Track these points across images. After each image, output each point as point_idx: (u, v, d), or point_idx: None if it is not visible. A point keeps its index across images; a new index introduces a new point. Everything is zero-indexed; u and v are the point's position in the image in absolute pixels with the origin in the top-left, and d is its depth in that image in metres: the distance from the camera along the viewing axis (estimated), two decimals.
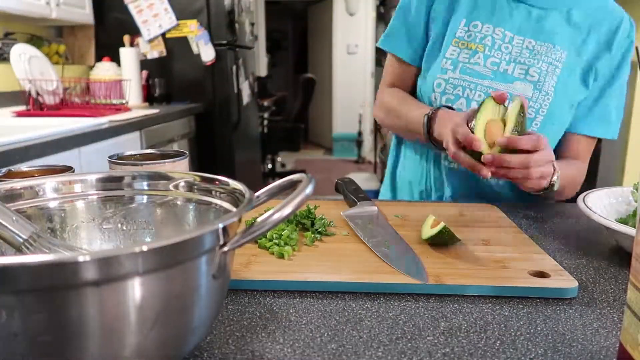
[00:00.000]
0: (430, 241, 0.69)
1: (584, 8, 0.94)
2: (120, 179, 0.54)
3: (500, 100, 0.77)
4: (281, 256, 0.65)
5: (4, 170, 0.63)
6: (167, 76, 2.90)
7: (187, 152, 0.71)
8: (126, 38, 2.82)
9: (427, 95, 0.97)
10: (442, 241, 0.68)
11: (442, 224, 0.67)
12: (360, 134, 6.38)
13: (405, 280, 0.58)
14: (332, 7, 6.35)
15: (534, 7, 0.94)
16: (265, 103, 4.78)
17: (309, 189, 0.41)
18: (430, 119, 0.90)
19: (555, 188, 0.83)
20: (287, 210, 0.39)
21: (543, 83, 0.91)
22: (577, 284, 0.57)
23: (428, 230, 0.69)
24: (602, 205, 0.76)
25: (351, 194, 0.85)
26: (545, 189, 0.83)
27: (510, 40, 0.93)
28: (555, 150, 0.97)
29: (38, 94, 2.18)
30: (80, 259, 0.30)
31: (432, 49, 0.98)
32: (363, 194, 0.85)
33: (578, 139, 0.97)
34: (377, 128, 5.23)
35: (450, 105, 0.94)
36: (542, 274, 0.59)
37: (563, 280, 0.58)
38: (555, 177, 0.81)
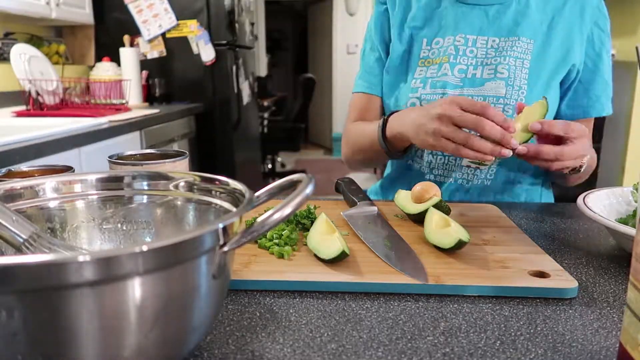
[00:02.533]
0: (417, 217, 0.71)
1: None
2: (120, 179, 0.54)
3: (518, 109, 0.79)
4: (281, 256, 0.65)
5: (4, 170, 0.63)
6: (167, 76, 2.90)
7: (187, 152, 0.71)
8: (126, 38, 2.82)
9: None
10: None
11: (435, 198, 0.69)
12: None
13: (405, 280, 0.58)
14: (332, 7, 6.35)
15: (490, 6, 0.94)
16: (265, 103, 4.78)
17: (309, 189, 0.41)
18: (385, 122, 0.91)
19: (583, 170, 0.84)
20: (287, 210, 0.39)
21: (514, 78, 0.90)
22: (577, 284, 0.57)
23: (415, 206, 0.71)
24: (602, 205, 0.76)
25: (351, 194, 0.85)
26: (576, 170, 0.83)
27: (474, 43, 0.93)
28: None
29: (38, 94, 2.18)
30: (80, 259, 0.30)
31: (398, 71, 0.98)
32: (363, 193, 0.85)
33: (586, 123, 0.96)
34: None
35: None
36: (542, 274, 0.59)
37: (563, 281, 0.58)
38: (584, 160, 0.81)
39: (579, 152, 0.77)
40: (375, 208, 0.80)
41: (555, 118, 0.97)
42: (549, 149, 0.75)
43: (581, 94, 0.95)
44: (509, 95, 0.90)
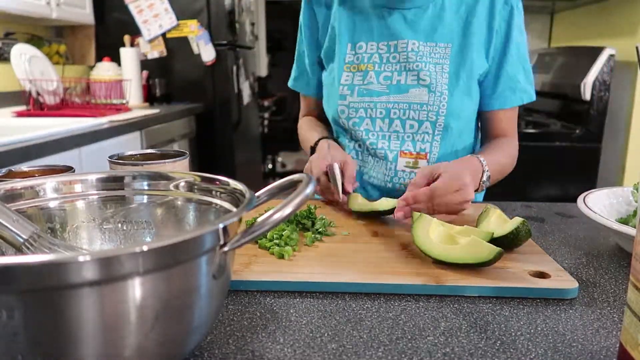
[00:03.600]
0: (500, 240, 0.64)
1: None
2: (120, 179, 0.54)
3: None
4: (281, 256, 0.65)
5: (4, 170, 0.63)
6: (167, 76, 2.90)
7: (188, 152, 0.71)
8: (126, 38, 2.82)
9: (335, 121, 1.01)
10: (514, 242, 0.65)
11: (517, 219, 0.65)
12: None
13: (405, 280, 0.58)
14: None
15: (407, 10, 0.94)
16: (266, 103, 4.78)
17: (309, 189, 0.41)
18: (313, 149, 0.98)
19: (484, 187, 0.87)
20: (288, 210, 0.39)
21: (435, 84, 0.92)
22: (577, 284, 0.57)
23: (494, 228, 0.67)
24: (602, 206, 0.76)
25: None
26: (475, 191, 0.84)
27: (395, 49, 0.93)
28: (482, 132, 1.02)
29: (38, 94, 2.18)
30: (81, 259, 0.30)
31: (328, 76, 1.01)
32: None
33: (496, 116, 0.98)
34: None
35: (332, 137, 1.01)
36: (542, 275, 0.59)
37: (563, 281, 0.58)
38: (484, 178, 0.84)
39: (453, 183, 0.76)
40: None
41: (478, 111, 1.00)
42: (422, 191, 0.76)
43: (487, 87, 0.96)
44: (431, 102, 0.92)
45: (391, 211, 0.77)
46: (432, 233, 0.66)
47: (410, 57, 0.92)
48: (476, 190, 0.84)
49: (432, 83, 0.91)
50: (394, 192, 0.98)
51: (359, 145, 0.99)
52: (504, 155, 0.94)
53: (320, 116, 1.10)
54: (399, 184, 0.98)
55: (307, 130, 1.08)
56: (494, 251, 0.58)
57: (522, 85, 0.95)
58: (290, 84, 1.13)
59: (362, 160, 1.01)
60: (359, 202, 0.83)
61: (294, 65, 1.11)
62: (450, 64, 0.92)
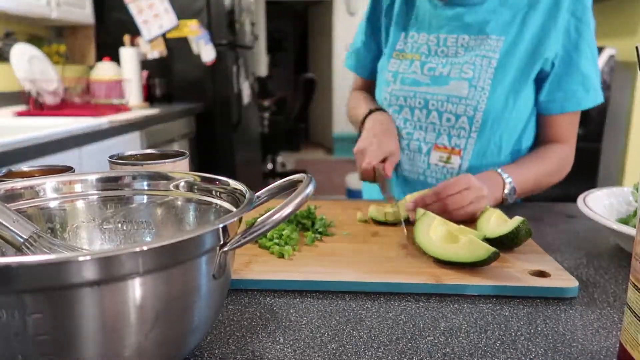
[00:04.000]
0: (497, 239, 0.65)
1: None
2: (120, 179, 0.54)
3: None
4: (281, 256, 0.65)
5: (4, 170, 0.63)
6: (167, 76, 2.90)
7: (188, 152, 0.71)
8: (126, 38, 2.82)
9: (386, 106, 1.02)
10: (514, 241, 0.66)
11: (517, 219, 0.65)
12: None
13: (405, 279, 0.58)
14: (333, 7, 6.35)
15: (464, 6, 0.92)
16: (266, 103, 4.77)
17: (309, 189, 0.41)
18: (364, 121, 0.99)
19: (510, 201, 0.88)
20: (288, 210, 0.39)
21: (478, 79, 0.89)
22: (577, 283, 0.57)
23: (494, 228, 0.67)
24: (602, 206, 0.76)
25: None
26: (501, 203, 0.87)
27: (444, 43, 0.93)
28: (538, 136, 0.98)
29: (38, 93, 2.18)
30: (81, 258, 0.30)
31: (381, 63, 1.03)
32: None
33: (554, 120, 0.94)
34: None
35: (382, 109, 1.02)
36: (542, 274, 0.60)
37: (563, 280, 0.58)
38: (506, 191, 0.86)
39: (460, 182, 0.78)
40: None
41: (534, 114, 0.96)
42: (428, 192, 0.79)
43: (555, 88, 0.91)
44: (471, 96, 0.90)
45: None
46: (432, 232, 0.66)
47: (459, 52, 0.92)
48: (501, 203, 0.86)
49: (474, 77, 0.89)
50: (424, 187, 0.97)
51: (397, 136, 0.98)
52: (545, 166, 0.92)
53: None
54: (431, 177, 0.97)
55: (357, 101, 1.09)
56: (489, 251, 0.58)
57: (584, 90, 0.90)
58: (344, 64, 1.15)
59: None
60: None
61: (352, 44, 1.13)
62: (499, 58, 0.89)
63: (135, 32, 2.89)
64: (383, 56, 1.02)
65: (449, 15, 0.93)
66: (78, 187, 0.53)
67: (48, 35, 2.81)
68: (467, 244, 0.61)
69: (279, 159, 5.53)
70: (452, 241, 0.65)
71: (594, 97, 0.91)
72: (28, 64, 2.18)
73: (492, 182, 0.84)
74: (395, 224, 0.78)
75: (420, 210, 0.71)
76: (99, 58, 2.86)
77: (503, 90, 0.89)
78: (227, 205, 0.48)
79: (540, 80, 0.92)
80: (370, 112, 0.99)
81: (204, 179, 0.51)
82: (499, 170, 0.86)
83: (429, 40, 0.95)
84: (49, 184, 0.51)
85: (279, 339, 0.48)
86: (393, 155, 0.91)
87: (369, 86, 1.12)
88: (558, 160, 0.94)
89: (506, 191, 0.85)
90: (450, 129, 0.93)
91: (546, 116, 0.94)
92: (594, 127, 2.11)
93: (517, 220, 0.66)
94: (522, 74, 0.90)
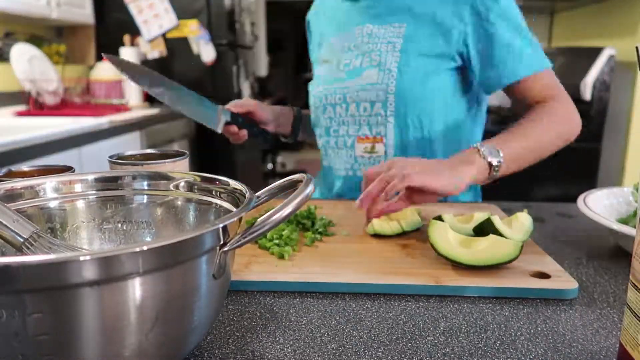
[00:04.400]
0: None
1: None
2: (120, 179, 0.54)
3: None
4: (281, 256, 0.65)
5: (4, 170, 0.63)
6: (167, 76, 2.89)
7: (188, 152, 0.71)
8: (126, 38, 2.82)
9: (314, 110, 1.07)
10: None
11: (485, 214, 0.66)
12: None
13: (405, 281, 0.58)
14: None
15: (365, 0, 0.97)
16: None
17: (309, 189, 0.41)
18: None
19: (498, 170, 0.78)
20: (288, 210, 0.39)
21: (385, 63, 0.91)
22: (577, 285, 0.57)
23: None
24: (602, 206, 0.76)
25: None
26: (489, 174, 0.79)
27: (353, 36, 0.97)
28: (520, 103, 0.92)
29: (38, 93, 2.18)
30: (81, 258, 0.30)
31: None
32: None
33: (516, 90, 0.90)
34: None
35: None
36: (542, 275, 0.59)
37: (563, 281, 0.58)
38: (489, 160, 0.77)
39: (403, 167, 0.73)
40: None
41: (460, 91, 0.95)
42: (370, 186, 0.74)
43: (485, 66, 0.89)
44: (380, 80, 0.91)
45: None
46: (451, 239, 0.64)
47: (365, 40, 0.95)
48: (489, 176, 0.78)
49: (381, 62, 0.91)
50: (356, 181, 0.97)
51: (326, 136, 1.03)
52: (533, 125, 0.85)
53: None
54: (359, 170, 0.98)
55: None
56: (518, 246, 0.60)
57: (513, 59, 0.87)
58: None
59: (326, 151, 1.04)
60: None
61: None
62: (403, 42, 0.90)
63: (135, 32, 2.89)
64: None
65: (354, 8, 0.97)
66: (78, 187, 0.53)
67: (48, 35, 2.81)
68: (494, 245, 0.61)
69: (279, 159, 5.53)
70: (468, 245, 0.64)
71: (531, 63, 0.88)
72: (28, 64, 2.18)
73: (456, 158, 0.78)
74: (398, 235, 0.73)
75: (433, 223, 0.67)
76: (99, 58, 2.86)
77: (411, 71, 0.90)
78: (227, 205, 0.48)
79: (467, 62, 0.91)
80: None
81: (204, 179, 0.51)
82: (475, 144, 0.79)
83: (342, 39, 0.99)
84: (49, 184, 0.51)
85: (279, 339, 0.48)
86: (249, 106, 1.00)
87: None
88: (546, 115, 0.87)
89: (489, 160, 0.77)
90: (369, 118, 0.94)
91: (509, 89, 0.91)
92: (594, 127, 2.11)
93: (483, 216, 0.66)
94: (430, 56, 0.90)
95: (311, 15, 1.14)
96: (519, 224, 0.68)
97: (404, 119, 0.93)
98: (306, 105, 1.16)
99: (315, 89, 1.04)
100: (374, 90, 0.92)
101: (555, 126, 0.87)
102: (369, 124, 0.95)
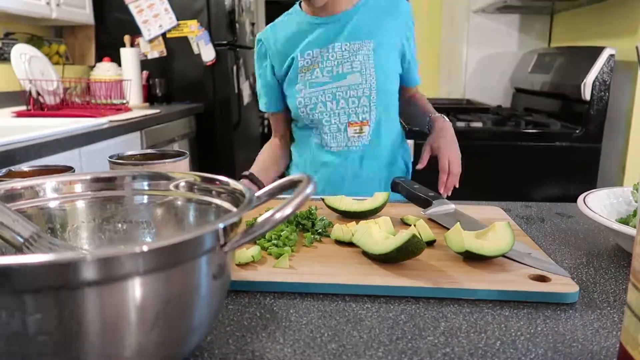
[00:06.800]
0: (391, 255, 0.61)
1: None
2: (120, 179, 0.54)
3: None
4: (279, 257, 0.64)
5: (4, 170, 0.63)
6: (167, 76, 2.90)
7: (188, 152, 0.71)
8: (126, 38, 2.82)
9: (297, 115, 1.26)
10: (408, 252, 0.61)
11: (409, 231, 0.61)
12: None
13: (404, 283, 0.58)
14: None
15: (335, 23, 1.20)
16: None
17: (309, 189, 0.41)
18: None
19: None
20: (288, 210, 0.39)
21: (365, 69, 1.19)
22: (577, 288, 0.57)
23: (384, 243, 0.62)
24: (602, 206, 0.76)
25: (420, 192, 0.88)
26: None
27: (332, 50, 1.21)
28: (402, 95, 1.32)
29: (38, 94, 2.18)
30: (81, 259, 0.30)
31: (286, 85, 1.26)
32: (433, 192, 0.88)
33: (412, 90, 1.37)
34: None
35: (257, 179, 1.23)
36: (542, 278, 0.59)
37: (564, 285, 0.57)
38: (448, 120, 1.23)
39: (453, 147, 1.15)
40: (452, 205, 0.84)
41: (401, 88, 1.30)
42: (454, 162, 1.12)
43: (410, 68, 1.29)
44: (364, 82, 1.20)
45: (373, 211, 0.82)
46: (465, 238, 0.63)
47: (344, 54, 1.20)
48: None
49: (362, 68, 1.20)
50: (347, 155, 1.24)
51: (316, 127, 1.24)
52: (428, 103, 1.35)
53: (287, 133, 1.36)
54: (350, 145, 1.24)
55: (258, 158, 1.35)
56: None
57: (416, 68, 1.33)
58: (263, 108, 1.34)
59: (320, 137, 1.25)
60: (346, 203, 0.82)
61: (261, 95, 1.33)
62: (374, 54, 1.20)
63: (135, 32, 2.89)
64: (286, 81, 1.25)
65: (329, 29, 1.22)
66: (78, 187, 0.53)
67: (48, 35, 2.81)
68: (500, 234, 0.63)
69: None
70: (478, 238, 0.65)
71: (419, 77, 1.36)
72: (28, 64, 2.18)
73: (449, 133, 1.18)
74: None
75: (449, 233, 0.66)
76: (99, 58, 2.86)
77: (384, 73, 1.21)
78: (227, 205, 0.48)
79: (404, 64, 1.28)
80: (242, 177, 1.20)
81: (204, 179, 0.51)
82: (435, 115, 1.24)
83: (321, 51, 1.21)
84: (49, 184, 0.51)
85: (279, 339, 0.48)
86: None
87: (287, 120, 1.33)
88: (423, 98, 1.38)
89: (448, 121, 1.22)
90: (357, 109, 1.22)
91: (409, 88, 1.35)
92: (594, 127, 2.10)
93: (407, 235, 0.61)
94: (393, 61, 1.24)
95: (268, 39, 1.27)
96: (496, 236, 0.64)
97: (379, 106, 1.22)
98: None
99: (303, 92, 1.22)
100: (360, 89, 1.20)
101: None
102: (356, 113, 1.22)
